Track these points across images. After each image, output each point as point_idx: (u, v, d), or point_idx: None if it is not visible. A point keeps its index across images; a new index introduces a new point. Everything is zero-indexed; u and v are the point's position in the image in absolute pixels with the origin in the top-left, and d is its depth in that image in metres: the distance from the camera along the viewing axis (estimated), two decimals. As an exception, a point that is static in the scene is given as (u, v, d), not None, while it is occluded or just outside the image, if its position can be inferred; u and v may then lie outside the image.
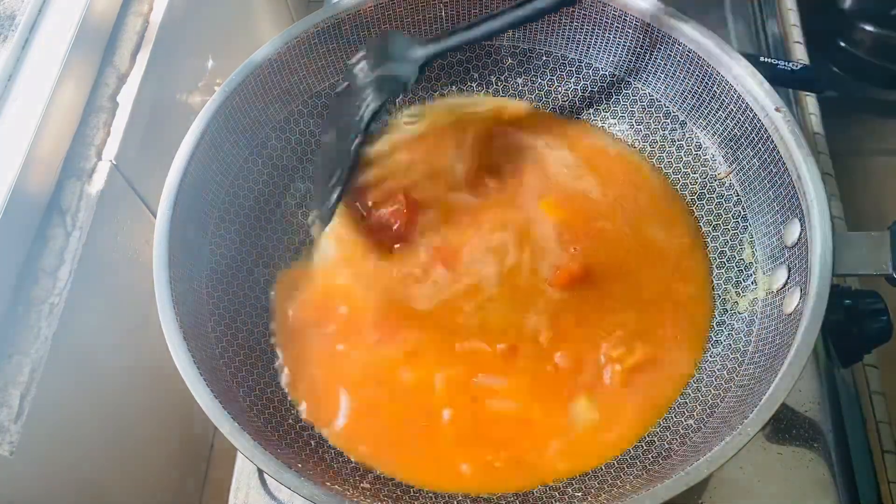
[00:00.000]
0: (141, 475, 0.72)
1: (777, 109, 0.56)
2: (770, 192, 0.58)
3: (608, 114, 0.69)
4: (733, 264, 0.61)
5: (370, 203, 0.64)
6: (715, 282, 0.61)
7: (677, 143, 0.66)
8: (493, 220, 0.64)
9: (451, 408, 0.57)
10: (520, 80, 0.70)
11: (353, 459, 0.56)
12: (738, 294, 0.59)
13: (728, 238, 0.62)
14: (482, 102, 0.70)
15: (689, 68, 0.62)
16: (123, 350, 0.68)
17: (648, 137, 0.67)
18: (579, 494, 0.53)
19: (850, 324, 0.63)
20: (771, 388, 0.47)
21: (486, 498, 0.54)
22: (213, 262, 0.59)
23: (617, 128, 0.68)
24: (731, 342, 0.57)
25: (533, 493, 0.54)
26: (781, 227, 0.56)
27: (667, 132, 0.66)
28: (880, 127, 0.93)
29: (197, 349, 0.52)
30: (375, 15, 0.65)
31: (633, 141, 0.68)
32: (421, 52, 0.60)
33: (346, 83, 0.62)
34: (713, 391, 0.55)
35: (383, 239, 0.63)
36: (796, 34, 0.85)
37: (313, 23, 0.63)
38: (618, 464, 0.54)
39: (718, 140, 0.63)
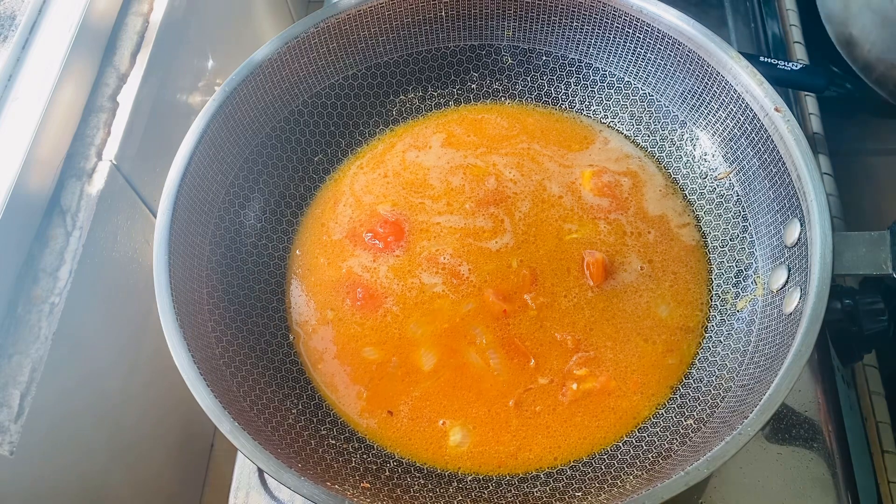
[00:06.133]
0: (141, 475, 0.72)
1: (777, 109, 0.56)
2: (770, 192, 0.58)
3: (608, 113, 0.69)
4: (733, 264, 0.61)
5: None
6: (715, 282, 0.61)
7: (677, 143, 0.66)
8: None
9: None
10: (519, 80, 0.71)
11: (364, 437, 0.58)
12: (737, 294, 0.59)
13: (728, 238, 0.62)
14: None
15: (689, 68, 0.62)
16: (123, 350, 0.68)
17: (648, 137, 0.67)
18: (579, 494, 0.53)
19: (850, 324, 0.63)
20: (771, 388, 0.47)
21: (487, 498, 0.54)
22: (213, 262, 0.60)
23: (617, 127, 0.69)
24: (731, 342, 0.57)
25: (533, 493, 0.54)
26: (781, 227, 0.56)
27: (667, 132, 0.66)
28: (880, 127, 0.92)
29: (197, 349, 0.52)
30: (375, 15, 0.65)
31: (633, 140, 0.68)
32: None
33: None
34: (713, 391, 0.55)
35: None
36: (796, 34, 0.85)
37: (313, 23, 0.63)
38: (618, 463, 0.55)
39: (718, 140, 0.63)
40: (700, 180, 0.65)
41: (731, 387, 0.54)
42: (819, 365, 0.64)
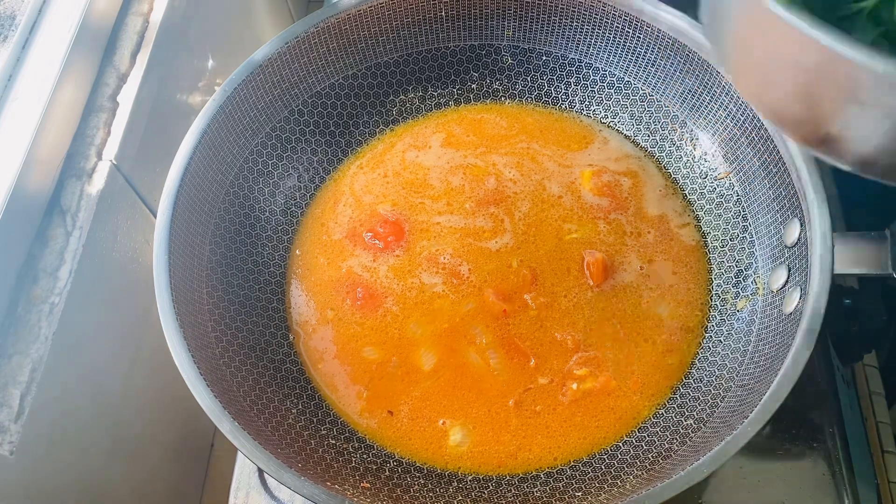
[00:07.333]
0: (141, 475, 0.72)
1: (777, 109, 0.56)
2: (770, 192, 0.58)
3: (608, 113, 0.69)
4: (733, 264, 0.61)
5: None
6: (715, 282, 0.61)
7: (677, 143, 0.66)
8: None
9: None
10: (519, 80, 0.71)
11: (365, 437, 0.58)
12: (737, 294, 0.59)
13: (728, 238, 0.62)
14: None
15: (689, 68, 0.62)
16: (123, 350, 0.68)
17: (648, 137, 0.67)
18: (579, 494, 0.53)
19: (850, 324, 0.63)
20: (771, 388, 0.47)
21: (487, 498, 0.54)
22: (213, 262, 0.60)
23: (617, 127, 0.69)
24: (731, 342, 0.57)
25: (533, 493, 0.54)
26: (781, 227, 0.56)
27: (667, 132, 0.66)
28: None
29: (197, 349, 0.52)
30: (375, 15, 0.65)
31: (633, 140, 0.68)
32: None
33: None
34: (713, 391, 0.55)
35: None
36: (796, 34, 0.85)
37: (313, 23, 0.63)
38: (618, 463, 0.55)
39: (718, 140, 0.63)
40: (700, 180, 0.65)
41: (731, 387, 0.54)
42: (819, 365, 0.64)
